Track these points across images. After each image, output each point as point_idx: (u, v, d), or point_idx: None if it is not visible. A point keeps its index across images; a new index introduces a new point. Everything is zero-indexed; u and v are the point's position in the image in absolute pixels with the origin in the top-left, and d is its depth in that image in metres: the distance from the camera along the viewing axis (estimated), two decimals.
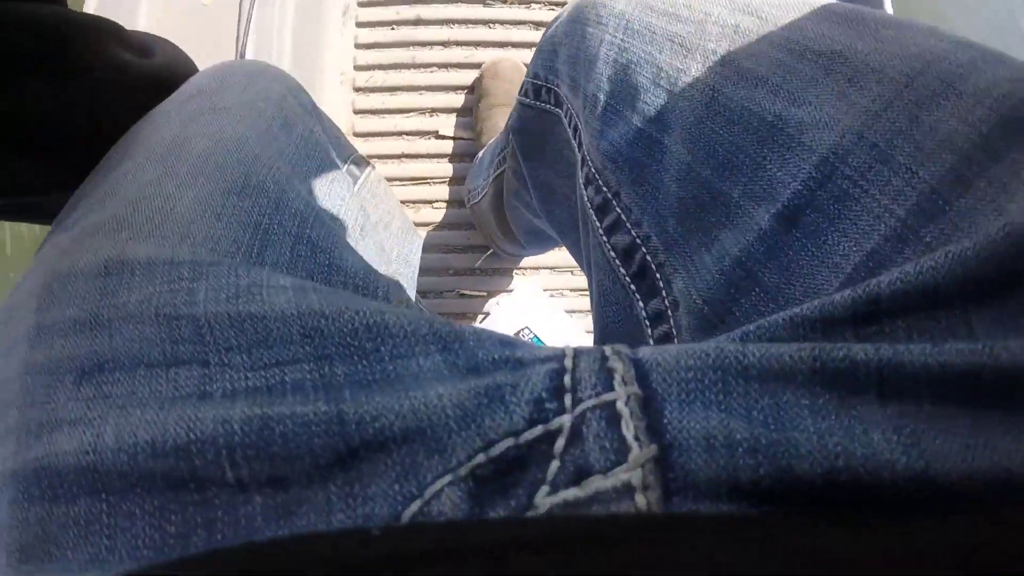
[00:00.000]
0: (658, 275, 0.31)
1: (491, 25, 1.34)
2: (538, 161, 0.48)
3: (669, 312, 0.31)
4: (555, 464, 0.16)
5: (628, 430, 0.16)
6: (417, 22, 1.35)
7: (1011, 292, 0.16)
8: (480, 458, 0.16)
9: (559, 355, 0.18)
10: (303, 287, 0.20)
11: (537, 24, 1.35)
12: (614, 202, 0.34)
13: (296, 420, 0.17)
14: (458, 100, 1.28)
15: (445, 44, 1.35)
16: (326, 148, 0.34)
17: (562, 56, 0.41)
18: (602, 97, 0.34)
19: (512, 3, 1.37)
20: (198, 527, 0.16)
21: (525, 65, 0.96)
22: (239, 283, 0.20)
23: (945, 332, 0.16)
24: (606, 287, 0.35)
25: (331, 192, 0.32)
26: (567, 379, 0.17)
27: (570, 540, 0.13)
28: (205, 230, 0.23)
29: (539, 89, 0.45)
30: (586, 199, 0.36)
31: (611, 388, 0.17)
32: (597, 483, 0.16)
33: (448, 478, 0.16)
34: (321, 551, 0.13)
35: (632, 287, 0.33)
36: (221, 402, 0.18)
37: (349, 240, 0.31)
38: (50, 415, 0.19)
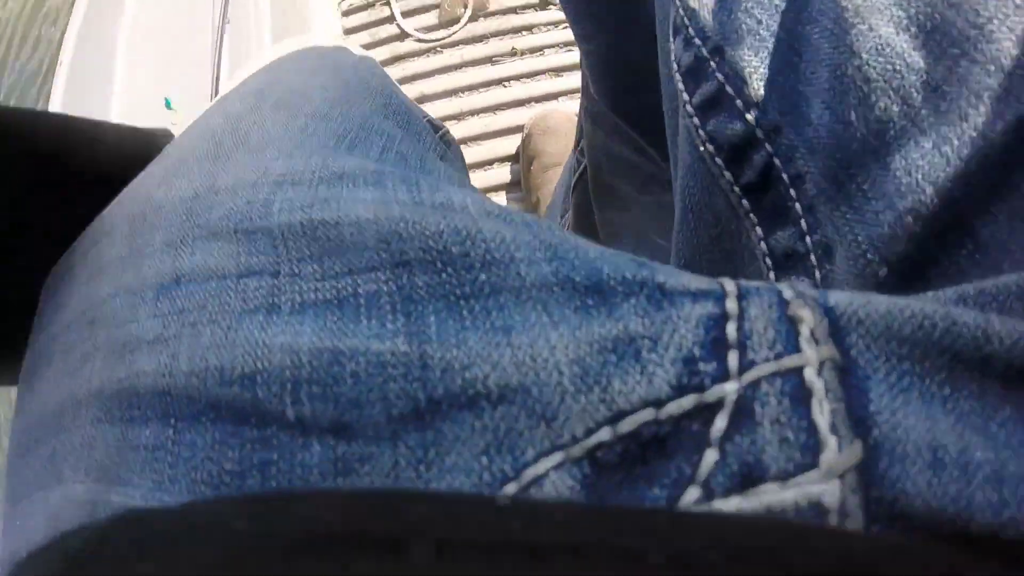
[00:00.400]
0: (792, 191, 0.20)
1: (506, 84, 1.19)
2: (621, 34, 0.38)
3: (812, 257, 0.20)
4: (711, 455, 0.11)
5: (822, 415, 0.11)
6: (420, 100, 1.20)
7: None
8: (604, 434, 0.12)
9: (716, 291, 0.13)
10: (384, 199, 0.18)
11: (557, 71, 1.19)
12: (711, 62, 0.23)
13: (370, 359, 0.14)
14: (499, 175, 1.11)
15: (458, 117, 1.20)
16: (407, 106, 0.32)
17: None
18: None
19: (523, 54, 1.21)
20: (253, 468, 0.14)
21: (576, 115, 0.81)
22: (317, 194, 0.19)
23: None
24: (696, 203, 0.24)
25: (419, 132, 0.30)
26: (730, 329, 0.12)
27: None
28: (290, 146, 0.22)
29: None
30: (672, 59, 0.25)
31: (797, 348, 0.12)
32: (770, 494, 0.11)
33: (557, 458, 0.12)
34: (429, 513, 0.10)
35: (744, 203, 0.22)
36: (289, 319, 0.16)
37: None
38: (132, 334, 0.18)
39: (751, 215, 0.22)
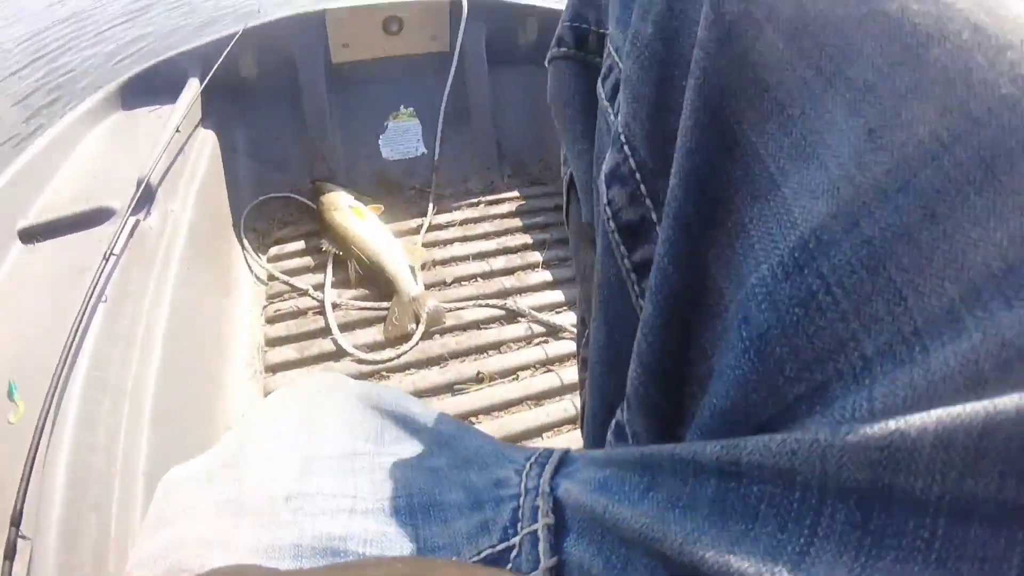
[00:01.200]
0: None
1: (472, 419, 0.97)
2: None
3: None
4: (509, 565, 0.26)
5: (541, 548, 0.25)
6: None
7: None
8: (475, 558, 0.27)
9: (517, 494, 0.29)
10: (407, 464, 0.35)
11: (536, 399, 1.00)
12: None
13: (398, 534, 0.30)
14: None
15: None
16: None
17: None
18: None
19: (492, 381, 1.02)
20: None
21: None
22: (375, 462, 0.36)
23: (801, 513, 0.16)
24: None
25: None
26: (519, 514, 0.27)
27: None
28: (352, 434, 0.39)
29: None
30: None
31: (536, 520, 0.26)
32: None
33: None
34: None
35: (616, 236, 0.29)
36: (360, 517, 0.31)
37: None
38: (273, 519, 0.32)
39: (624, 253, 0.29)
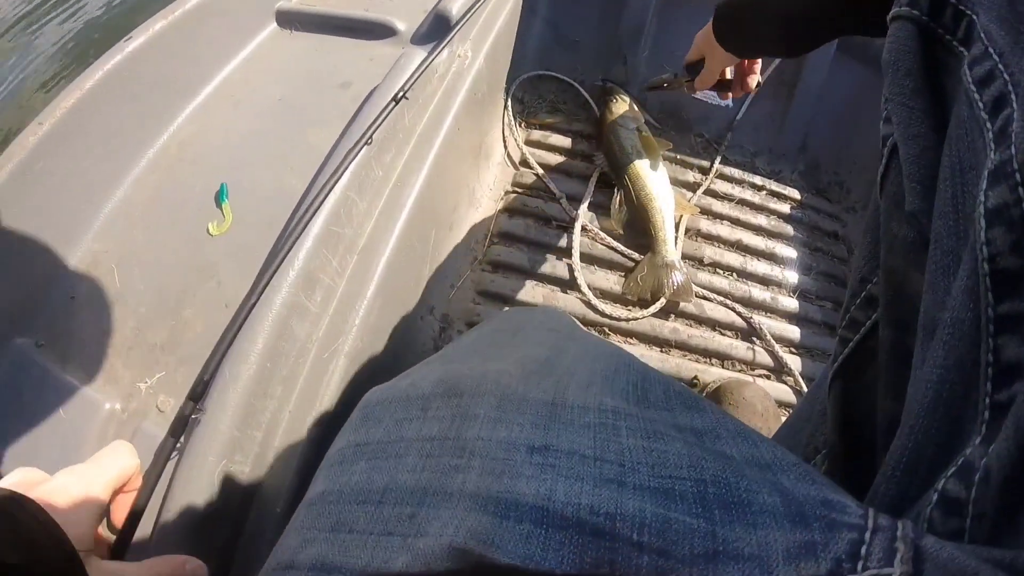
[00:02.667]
0: None
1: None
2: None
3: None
4: None
5: None
6: None
7: None
8: None
9: (861, 525, 0.24)
10: (687, 440, 0.29)
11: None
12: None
13: (686, 526, 0.24)
14: None
15: None
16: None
17: None
18: None
19: (703, 391, 0.87)
20: (604, 563, 0.24)
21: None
22: (645, 427, 0.30)
23: None
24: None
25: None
26: (863, 549, 0.23)
27: None
28: (606, 388, 0.34)
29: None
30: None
31: (891, 564, 0.22)
32: None
33: None
34: None
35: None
36: (634, 492, 0.26)
37: None
38: (511, 469, 0.28)
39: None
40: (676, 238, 0.99)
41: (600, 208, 1.03)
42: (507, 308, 0.90)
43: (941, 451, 0.28)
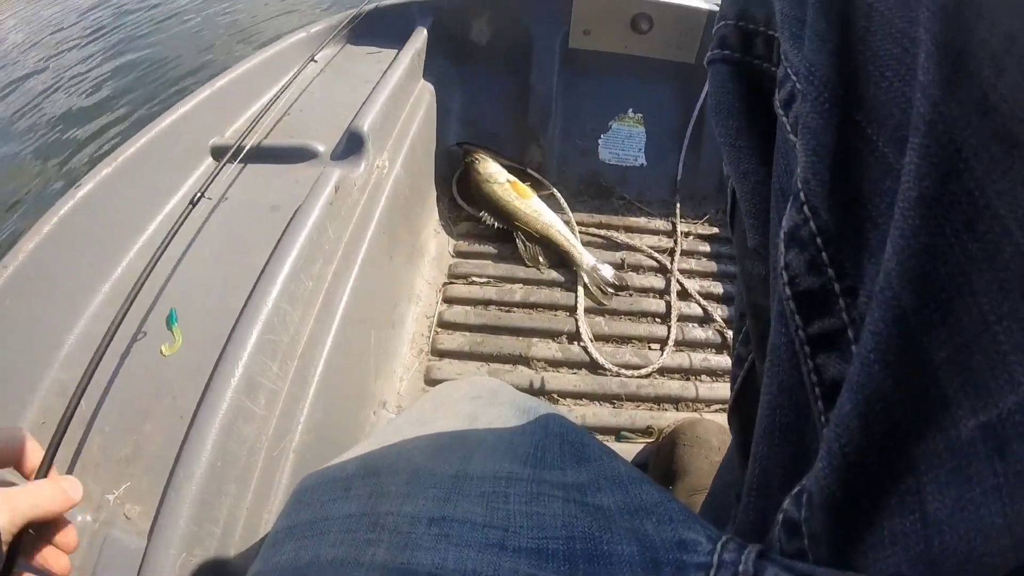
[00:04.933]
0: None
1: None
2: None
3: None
4: None
5: None
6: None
7: None
8: None
9: (708, 564, 0.25)
10: (568, 497, 0.32)
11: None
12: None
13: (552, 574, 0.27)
14: None
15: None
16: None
17: None
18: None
19: (660, 440, 0.90)
20: None
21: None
22: (532, 490, 0.33)
23: None
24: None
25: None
26: None
27: None
28: (511, 455, 0.37)
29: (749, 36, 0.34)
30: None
31: None
32: None
33: None
34: None
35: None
36: (512, 554, 0.28)
37: None
38: (413, 541, 0.30)
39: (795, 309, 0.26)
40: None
41: (513, 259, 1.09)
42: None
43: (790, 473, 0.27)
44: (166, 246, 0.73)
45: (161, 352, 0.67)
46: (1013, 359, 0.17)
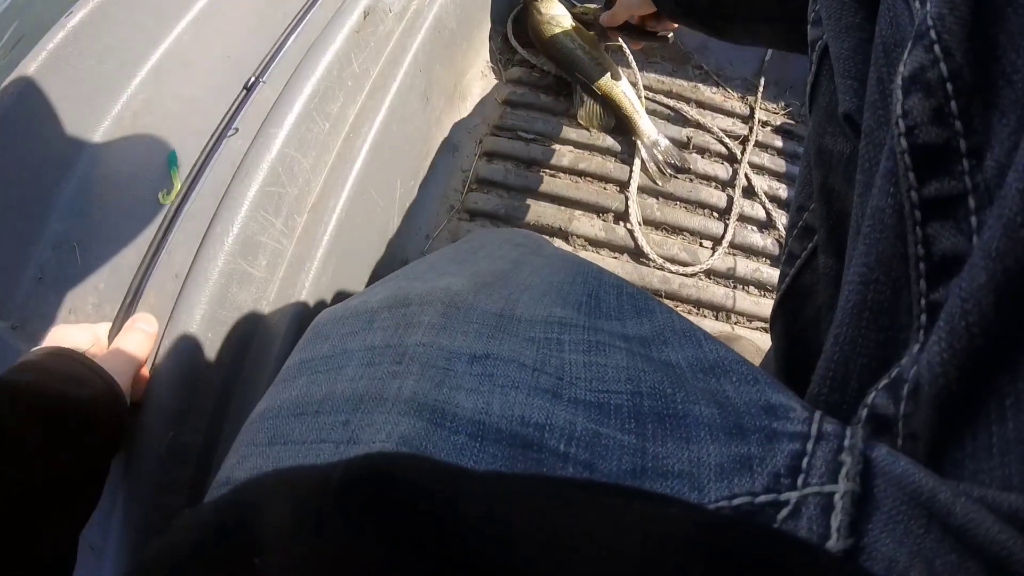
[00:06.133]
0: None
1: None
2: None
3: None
4: (775, 527, 0.19)
5: (835, 520, 0.18)
6: None
7: None
8: (723, 504, 0.20)
9: (804, 434, 0.21)
10: (632, 350, 0.28)
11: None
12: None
13: (615, 441, 0.23)
14: None
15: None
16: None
17: None
18: None
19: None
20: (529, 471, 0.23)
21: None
22: (589, 339, 0.29)
23: None
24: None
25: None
26: (804, 462, 0.20)
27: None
28: (560, 300, 0.32)
29: None
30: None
31: (835, 481, 0.19)
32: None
33: (702, 508, 0.20)
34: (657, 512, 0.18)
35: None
36: (567, 405, 0.25)
37: None
38: (451, 379, 0.26)
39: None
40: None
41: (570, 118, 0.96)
42: None
43: (873, 362, 0.25)
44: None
45: (159, 199, 0.59)
46: None
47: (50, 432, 0.37)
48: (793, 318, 0.41)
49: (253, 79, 0.63)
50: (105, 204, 0.58)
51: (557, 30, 0.96)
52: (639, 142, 0.95)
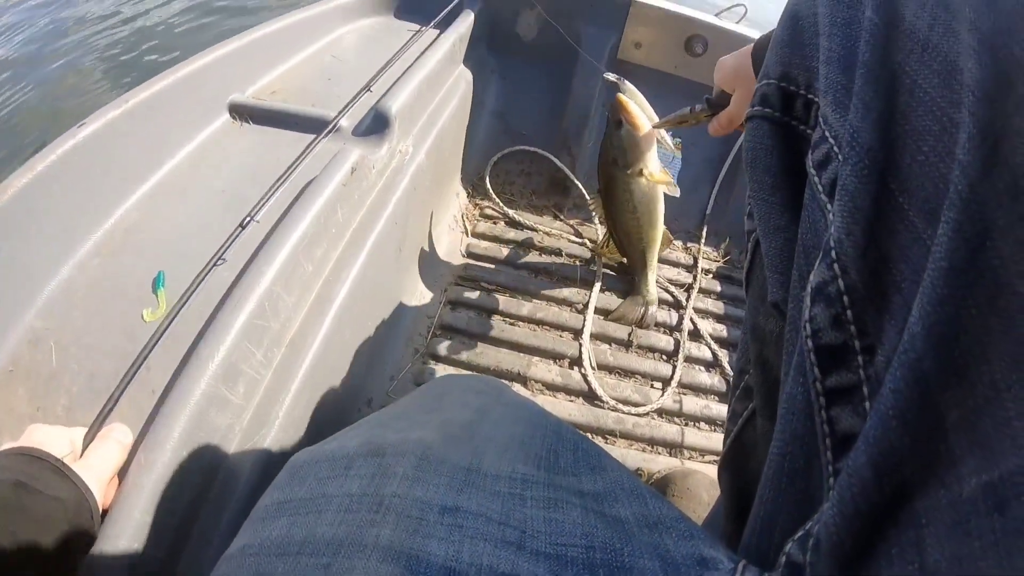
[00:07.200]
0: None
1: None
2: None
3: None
4: None
5: None
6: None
7: None
8: None
9: None
10: (586, 506, 0.32)
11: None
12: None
13: None
14: None
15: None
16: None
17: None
18: None
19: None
20: None
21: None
22: (549, 495, 0.32)
23: None
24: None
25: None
26: None
27: None
28: (522, 456, 0.36)
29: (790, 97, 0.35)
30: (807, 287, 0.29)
31: None
32: None
33: None
34: None
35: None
36: (530, 556, 0.28)
37: None
38: (424, 528, 0.29)
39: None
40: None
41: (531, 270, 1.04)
42: None
43: (792, 517, 0.28)
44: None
45: (143, 316, 0.62)
46: (1017, 424, 0.18)
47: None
48: (739, 472, 0.45)
49: (248, 219, 0.68)
50: (87, 310, 0.60)
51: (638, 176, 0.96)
52: (641, 299, 1.05)
